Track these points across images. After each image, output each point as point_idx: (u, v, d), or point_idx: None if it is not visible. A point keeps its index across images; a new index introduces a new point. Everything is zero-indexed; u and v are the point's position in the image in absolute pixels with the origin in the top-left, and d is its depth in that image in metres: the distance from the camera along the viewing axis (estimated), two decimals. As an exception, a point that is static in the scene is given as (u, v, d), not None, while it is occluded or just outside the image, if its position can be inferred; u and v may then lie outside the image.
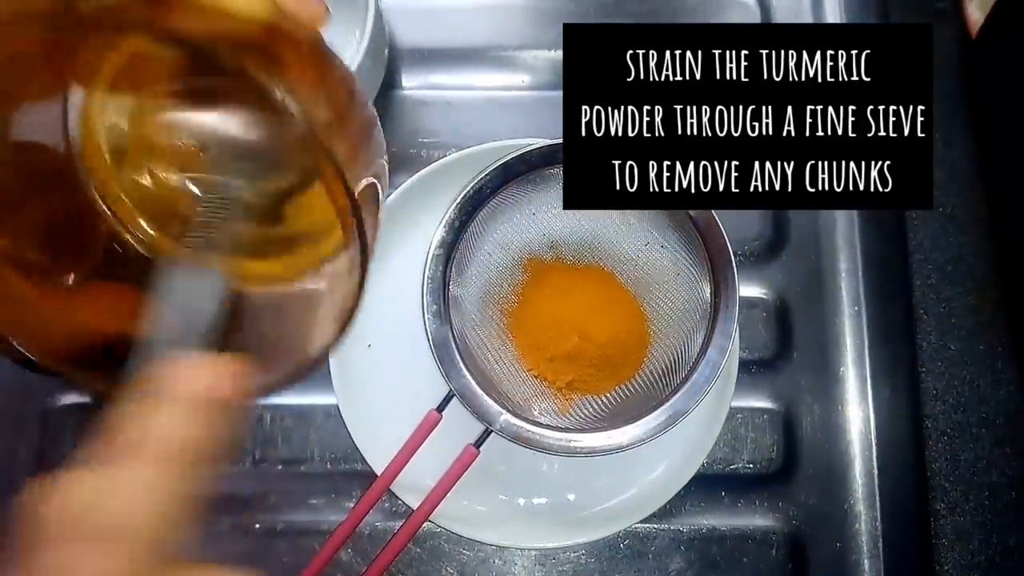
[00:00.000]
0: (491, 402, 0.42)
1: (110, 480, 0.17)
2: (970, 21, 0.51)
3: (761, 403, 0.50)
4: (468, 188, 0.43)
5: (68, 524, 0.16)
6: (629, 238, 0.47)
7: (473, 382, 0.43)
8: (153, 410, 0.17)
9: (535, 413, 0.45)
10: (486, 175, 0.43)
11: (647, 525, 0.49)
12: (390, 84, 0.55)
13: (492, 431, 0.43)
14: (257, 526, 0.49)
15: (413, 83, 0.56)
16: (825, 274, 0.52)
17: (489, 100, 0.56)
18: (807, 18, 0.57)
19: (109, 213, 0.26)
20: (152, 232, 0.27)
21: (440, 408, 0.45)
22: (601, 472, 0.47)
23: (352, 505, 0.46)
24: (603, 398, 0.46)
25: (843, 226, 0.53)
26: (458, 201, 0.43)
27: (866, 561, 0.48)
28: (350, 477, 0.49)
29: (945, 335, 0.47)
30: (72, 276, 0.24)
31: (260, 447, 0.50)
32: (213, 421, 0.18)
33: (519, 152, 0.43)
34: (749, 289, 0.52)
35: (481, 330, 0.46)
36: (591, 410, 0.46)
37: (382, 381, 0.49)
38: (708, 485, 0.49)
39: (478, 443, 0.44)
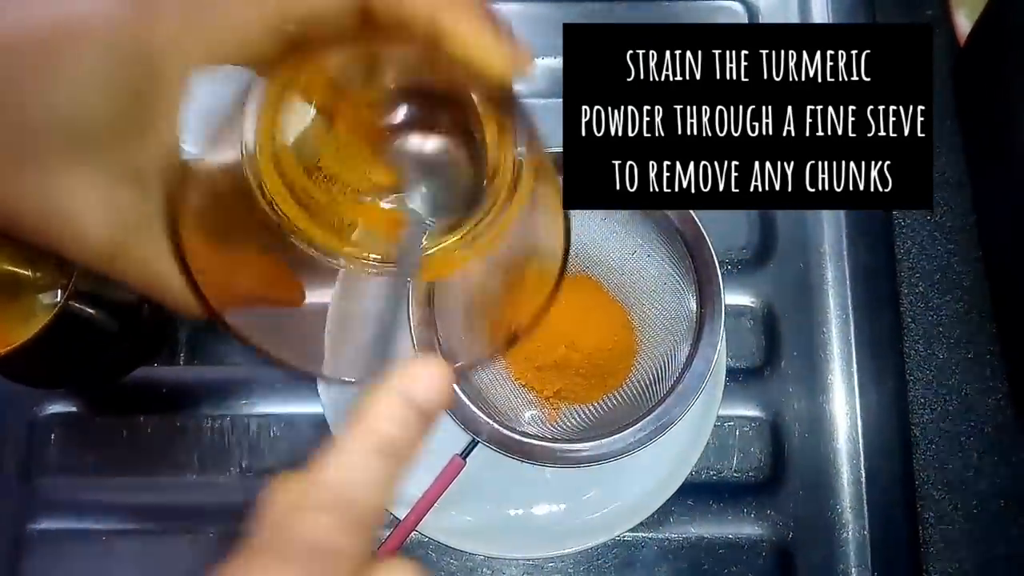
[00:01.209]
0: (477, 412, 0.42)
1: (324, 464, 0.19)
2: (958, 29, 0.51)
3: (749, 411, 0.50)
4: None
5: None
6: (616, 247, 0.47)
7: (460, 391, 0.43)
8: (371, 401, 0.20)
9: (522, 423, 0.45)
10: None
11: (635, 534, 0.48)
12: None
13: (479, 442, 0.42)
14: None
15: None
16: (813, 282, 0.52)
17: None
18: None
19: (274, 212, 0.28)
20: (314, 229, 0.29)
21: (426, 418, 0.45)
22: (589, 482, 0.47)
23: (339, 515, 0.46)
24: (590, 408, 0.46)
25: (831, 234, 0.53)
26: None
27: (854, 570, 0.48)
28: (337, 487, 0.49)
29: (933, 344, 0.47)
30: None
31: (247, 457, 0.50)
32: (414, 420, 0.20)
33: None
34: (737, 297, 0.52)
35: (468, 339, 0.46)
36: (578, 420, 0.45)
37: (369, 391, 0.49)
38: (696, 494, 0.49)
39: (464, 454, 0.44)
